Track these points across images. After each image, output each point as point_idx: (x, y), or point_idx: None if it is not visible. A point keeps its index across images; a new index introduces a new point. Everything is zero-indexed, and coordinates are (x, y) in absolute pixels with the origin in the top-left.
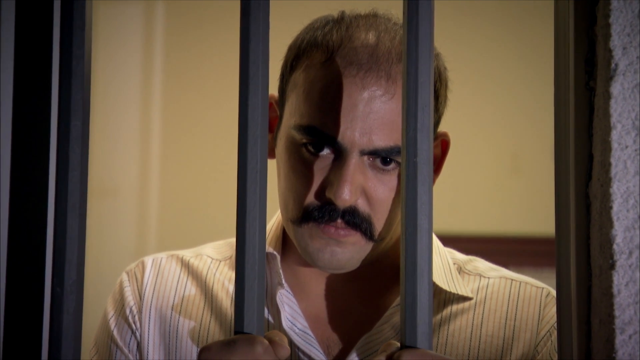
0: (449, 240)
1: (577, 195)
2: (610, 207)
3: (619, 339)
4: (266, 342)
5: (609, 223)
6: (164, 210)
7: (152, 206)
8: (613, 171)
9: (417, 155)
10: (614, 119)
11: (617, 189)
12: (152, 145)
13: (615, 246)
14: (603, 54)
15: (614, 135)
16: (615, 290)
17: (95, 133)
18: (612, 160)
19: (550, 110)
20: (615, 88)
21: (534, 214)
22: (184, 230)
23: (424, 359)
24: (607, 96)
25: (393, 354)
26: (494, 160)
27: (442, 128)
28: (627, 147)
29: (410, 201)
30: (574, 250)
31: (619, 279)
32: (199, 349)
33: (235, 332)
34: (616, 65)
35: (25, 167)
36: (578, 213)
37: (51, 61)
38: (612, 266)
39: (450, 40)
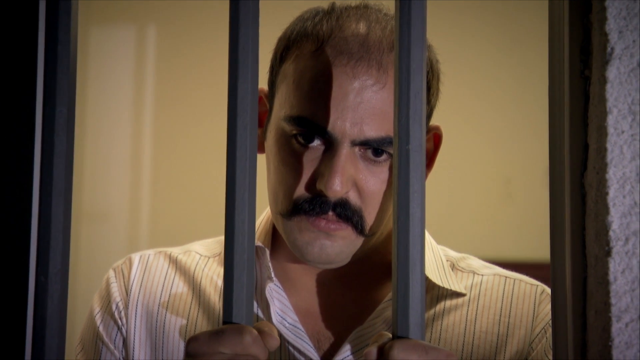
0: None
1: (572, 185)
2: (607, 193)
3: (615, 327)
4: (255, 332)
5: (605, 209)
6: (154, 234)
7: (142, 230)
8: (609, 157)
9: (409, 143)
10: (609, 104)
11: (613, 175)
12: (142, 170)
13: (611, 233)
14: (599, 39)
15: (610, 120)
16: (611, 277)
17: (86, 157)
18: (608, 146)
19: (543, 137)
20: (611, 72)
21: (527, 239)
22: None
23: (416, 350)
24: (603, 81)
25: (385, 345)
26: (487, 186)
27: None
28: (623, 132)
29: (403, 189)
30: (569, 241)
31: (615, 266)
32: (187, 332)
33: (224, 323)
34: (612, 49)
35: (9, 153)
36: (573, 203)
37: (37, 46)
38: (608, 253)
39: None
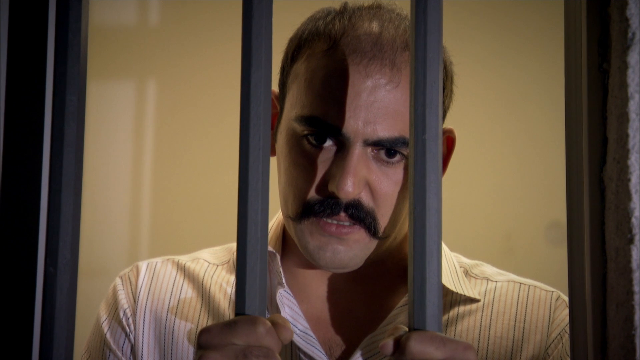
0: None
1: (591, 180)
2: (629, 180)
3: (638, 314)
4: (268, 323)
5: (627, 197)
6: None
7: None
8: (631, 142)
9: (425, 132)
10: (631, 89)
11: (635, 161)
12: (142, 225)
13: (634, 219)
14: (619, 26)
15: (632, 105)
16: (634, 264)
17: (84, 211)
18: (630, 132)
19: (544, 192)
20: (633, 57)
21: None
22: None
23: (433, 341)
24: (624, 67)
25: (401, 337)
26: (487, 241)
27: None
28: None
29: (419, 179)
30: (587, 238)
31: (638, 253)
32: (198, 332)
33: (236, 314)
34: (633, 34)
35: (18, 143)
36: (592, 199)
37: (47, 34)
38: (630, 240)
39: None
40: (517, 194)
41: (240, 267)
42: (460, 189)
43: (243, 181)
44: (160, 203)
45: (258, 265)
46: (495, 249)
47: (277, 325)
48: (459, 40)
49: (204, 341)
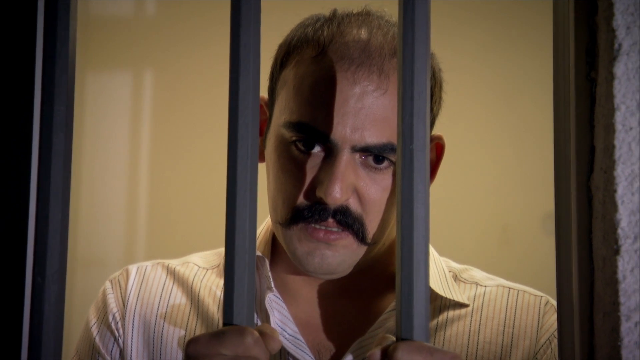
0: None
1: (579, 188)
2: (615, 191)
3: (624, 326)
4: (256, 333)
5: (613, 207)
6: None
7: None
8: (617, 154)
9: (413, 142)
10: (617, 100)
11: (622, 172)
12: (139, 215)
13: (619, 231)
14: (606, 36)
15: (618, 116)
16: (620, 276)
17: (82, 202)
18: (616, 143)
19: (540, 183)
20: (619, 68)
21: (524, 285)
22: None
23: (420, 352)
24: (610, 78)
25: (388, 347)
26: (483, 232)
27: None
28: (631, 128)
29: (407, 189)
30: (575, 246)
31: (623, 264)
32: (186, 339)
33: (224, 324)
34: (619, 45)
35: (6, 153)
36: (579, 207)
37: (35, 43)
38: (616, 251)
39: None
40: (513, 186)
41: (228, 277)
42: (456, 182)
43: (231, 191)
44: (157, 195)
45: (246, 275)
46: (492, 240)
47: (265, 335)
48: (456, 35)
49: (192, 351)
